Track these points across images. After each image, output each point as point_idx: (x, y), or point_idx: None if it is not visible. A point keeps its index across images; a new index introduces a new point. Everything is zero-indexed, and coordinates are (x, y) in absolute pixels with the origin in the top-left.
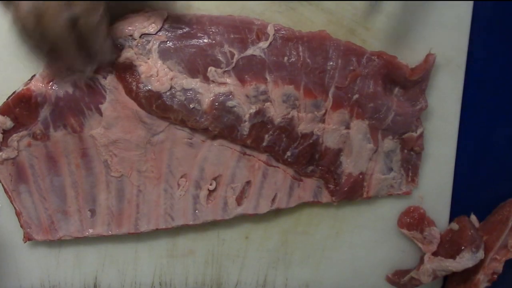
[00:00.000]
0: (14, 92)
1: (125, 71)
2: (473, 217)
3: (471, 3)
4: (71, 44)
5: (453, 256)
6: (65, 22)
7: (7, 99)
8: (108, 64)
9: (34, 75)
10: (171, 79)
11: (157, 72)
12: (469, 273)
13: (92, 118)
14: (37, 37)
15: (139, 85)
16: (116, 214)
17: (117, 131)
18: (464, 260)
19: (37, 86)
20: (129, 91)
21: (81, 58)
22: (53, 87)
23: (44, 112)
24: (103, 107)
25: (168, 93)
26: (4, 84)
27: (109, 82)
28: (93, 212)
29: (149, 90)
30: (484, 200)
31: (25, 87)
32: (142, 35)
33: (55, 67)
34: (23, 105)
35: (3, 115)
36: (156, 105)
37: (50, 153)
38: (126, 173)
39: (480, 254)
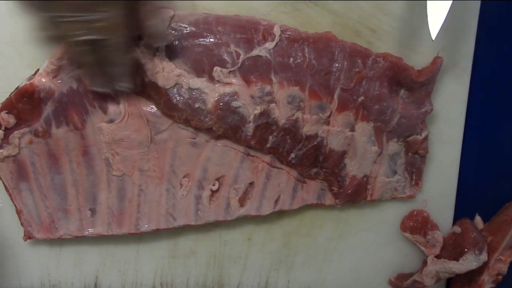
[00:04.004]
0: (17, 88)
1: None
2: (478, 218)
3: (478, 6)
4: (93, 64)
5: (456, 259)
6: (85, 44)
7: (10, 95)
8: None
9: (38, 70)
10: (178, 76)
11: (162, 69)
12: (473, 275)
13: (94, 115)
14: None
15: (145, 79)
16: (116, 213)
17: (122, 128)
18: (467, 262)
19: (41, 81)
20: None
21: (103, 78)
22: (57, 83)
23: (48, 109)
24: (108, 104)
25: (173, 91)
26: (8, 81)
27: None
28: (93, 211)
29: (155, 84)
30: (488, 204)
31: (28, 82)
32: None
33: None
34: (26, 101)
35: (6, 111)
36: (163, 100)
37: (51, 151)
38: (128, 172)
39: (484, 256)
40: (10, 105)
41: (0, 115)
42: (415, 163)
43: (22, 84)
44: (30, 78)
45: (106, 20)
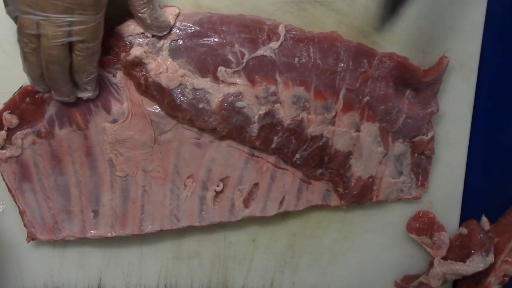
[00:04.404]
0: (21, 87)
1: (134, 68)
2: (484, 219)
3: (484, 6)
4: (64, 68)
5: (463, 261)
6: (64, 45)
7: (13, 95)
8: (117, 61)
9: None
10: (181, 76)
11: (166, 69)
12: (479, 276)
13: (98, 115)
14: (35, 56)
15: (149, 79)
16: (120, 214)
17: (125, 128)
18: (474, 264)
19: None
20: (138, 85)
21: (69, 86)
22: None
23: (51, 109)
24: (111, 104)
25: (177, 91)
26: (12, 82)
27: (119, 79)
28: (96, 213)
29: (159, 85)
30: (495, 204)
31: None
32: None
33: (41, 87)
34: (30, 100)
35: (9, 111)
36: (167, 100)
37: (54, 152)
38: (132, 173)
39: (490, 258)
40: (13, 105)
41: (2, 116)
42: (421, 163)
43: (26, 84)
44: None
45: (87, 23)
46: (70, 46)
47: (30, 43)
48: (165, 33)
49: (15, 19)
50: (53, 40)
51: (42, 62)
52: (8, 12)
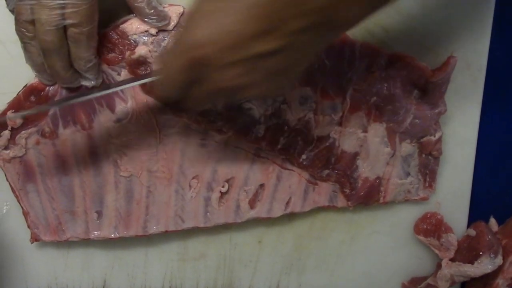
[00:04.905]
0: (25, 86)
1: (139, 67)
2: (493, 221)
3: (493, 4)
4: (62, 55)
5: (471, 262)
6: (58, 29)
7: (18, 93)
8: (121, 59)
9: None
10: None
11: None
12: (488, 278)
13: (102, 114)
14: (34, 46)
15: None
16: (124, 215)
17: (130, 128)
18: (483, 266)
19: None
20: (143, 84)
21: (70, 73)
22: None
23: (55, 107)
24: (116, 103)
25: None
26: (14, 81)
27: (123, 78)
28: (99, 213)
29: None
30: (503, 206)
31: (37, 80)
32: (159, 31)
33: (46, 78)
34: (34, 99)
35: (13, 110)
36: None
37: (58, 152)
38: (136, 173)
39: (499, 260)
40: (18, 104)
41: (7, 115)
42: (429, 164)
43: (31, 82)
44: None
45: (80, 5)
46: (66, 34)
47: (27, 32)
48: (164, 23)
49: (13, 11)
50: (47, 25)
51: (40, 51)
52: (9, 8)
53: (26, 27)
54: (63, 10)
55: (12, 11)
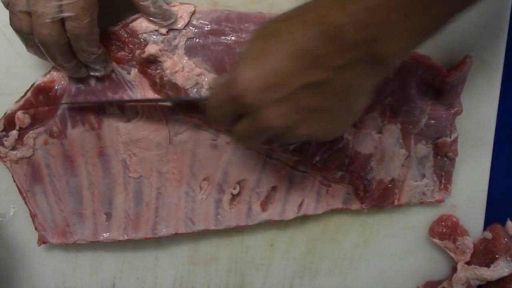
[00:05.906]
0: (33, 85)
1: (149, 66)
2: (509, 223)
3: (510, 3)
4: (61, 48)
5: (487, 266)
6: (55, 22)
7: (25, 93)
8: (131, 58)
9: (53, 67)
10: (198, 75)
11: (182, 68)
12: (504, 281)
13: (111, 114)
14: (33, 41)
15: (164, 78)
16: (133, 217)
17: (140, 128)
18: (499, 269)
19: (58, 76)
20: (153, 84)
21: (74, 64)
22: (73, 79)
23: (63, 106)
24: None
25: (193, 91)
26: (21, 81)
27: (133, 77)
28: (108, 215)
29: (174, 84)
30: None
31: (45, 78)
32: (170, 30)
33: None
34: (43, 98)
35: (24, 111)
36: None
37: (66, 152)
38: (146, 174)
39: None
40: (29, 104)
41: (16, 115)
42: (444, 166)
43: (39, 80)
44: (46, 74)
45: None
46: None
47: (24, 24)
48: (170, 22)
49: (7, 6)
50: (43, 18)
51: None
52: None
53: (22, 18)
54: (60, 2)
55: (6, 5)
